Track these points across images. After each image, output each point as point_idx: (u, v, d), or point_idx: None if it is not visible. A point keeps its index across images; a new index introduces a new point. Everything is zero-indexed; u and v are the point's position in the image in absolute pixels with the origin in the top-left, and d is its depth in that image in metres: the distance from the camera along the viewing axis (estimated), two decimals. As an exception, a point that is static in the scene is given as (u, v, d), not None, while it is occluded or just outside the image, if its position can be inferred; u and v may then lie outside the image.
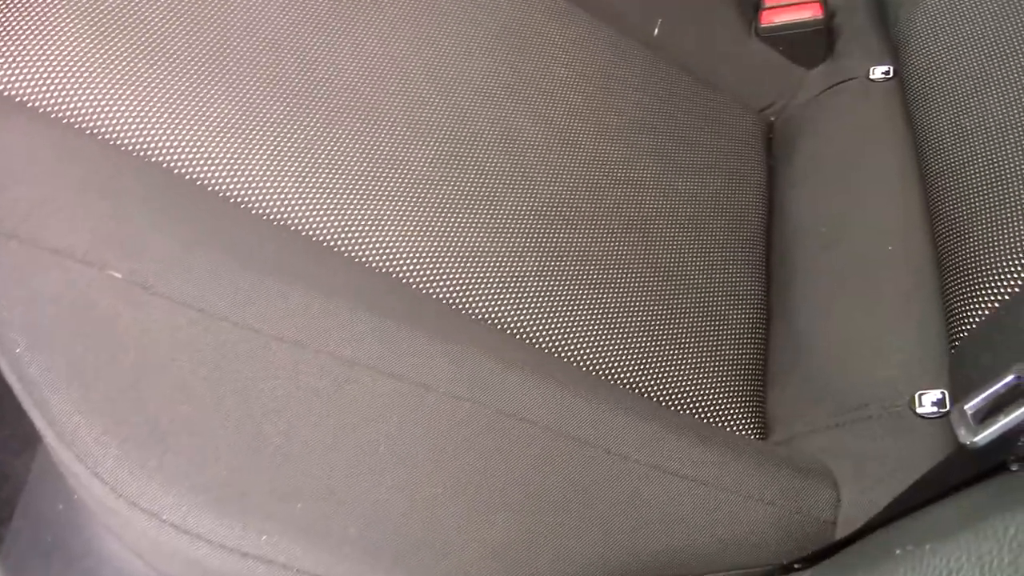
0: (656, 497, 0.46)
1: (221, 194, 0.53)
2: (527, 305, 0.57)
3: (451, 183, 0.60)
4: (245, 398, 0.41)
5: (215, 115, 0.55)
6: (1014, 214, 0.54)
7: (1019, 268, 0.49)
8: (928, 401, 0.54)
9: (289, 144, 0.56)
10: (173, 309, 0.43)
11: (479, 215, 0.59)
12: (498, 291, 0.56)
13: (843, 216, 0.69)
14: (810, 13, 0.87)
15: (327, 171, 0.56)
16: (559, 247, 0.61)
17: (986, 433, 0.34)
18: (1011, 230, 0.53)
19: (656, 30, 0.86)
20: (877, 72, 0.80)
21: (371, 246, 0.54)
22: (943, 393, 0.53)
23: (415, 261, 0.55)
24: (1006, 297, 0.48)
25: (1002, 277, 0.50)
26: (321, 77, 0.61)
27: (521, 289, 0.57)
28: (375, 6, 0.68)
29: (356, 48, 0.64)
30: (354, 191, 0.56)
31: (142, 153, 0.53)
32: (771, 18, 0.87)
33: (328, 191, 0.55)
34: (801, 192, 0.75)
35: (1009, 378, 0.35)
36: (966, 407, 0.36)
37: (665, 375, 0.59)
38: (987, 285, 0.51)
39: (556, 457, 0.45)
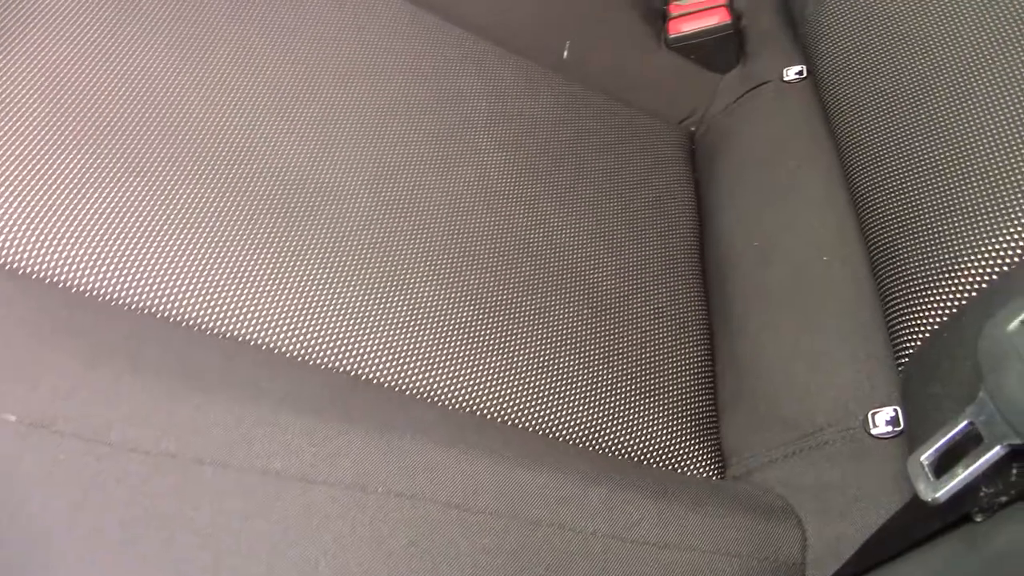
0: (621, 570, 0.44)
1: (118, 302, 0.49)
2: (462, 373, 0.54)
3: (367, 261, 0.57)
4: (166, 538, 0.38)
5: (98, 223, 0.52)
6: (941, 217, 0.53)
7: (956, 283, 0.48)
8: (882, 421, 0.52)
9: (184, 242, 0.53)
10: (80, 448, 0.40)
11: (400, 289, 0.56)
12: (429, 362, 0.54)
13: (774, 229, 0.68)
14: (717, 19, 0.86)
15: (234, 268, 0.53)
16: (488, 307, 0.58)
17: (947, 489, 0.32)
18: (940, 238, 0.52)
19: (565, 52, 0.84)
20: (791, 73, 0.79)
21: (290, 335, 0.51)
22: (896, 411, 0.52)
23: (338, 344, 0.52)
24: (945, 316, 0.47)
25: (941, 293, 0.49)
26: (226, 164, 0.58)
27: (454, 357, 0.55)
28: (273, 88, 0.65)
29: (257, 131, 0.61)
30: (264, 282, 0.53)
31: (33, 271, 0.49)
32: (679, 27, 0.86)
33: (237, 286, 0.52)
34: (729, 207, 0.74)
35: (962, 424, 0.33)
36: (922, 458, 0.34)
37: (613, 425, 0.57)
38: (926, 301, 0.50)
39: (510, 546, 0.42)
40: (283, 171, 0.59)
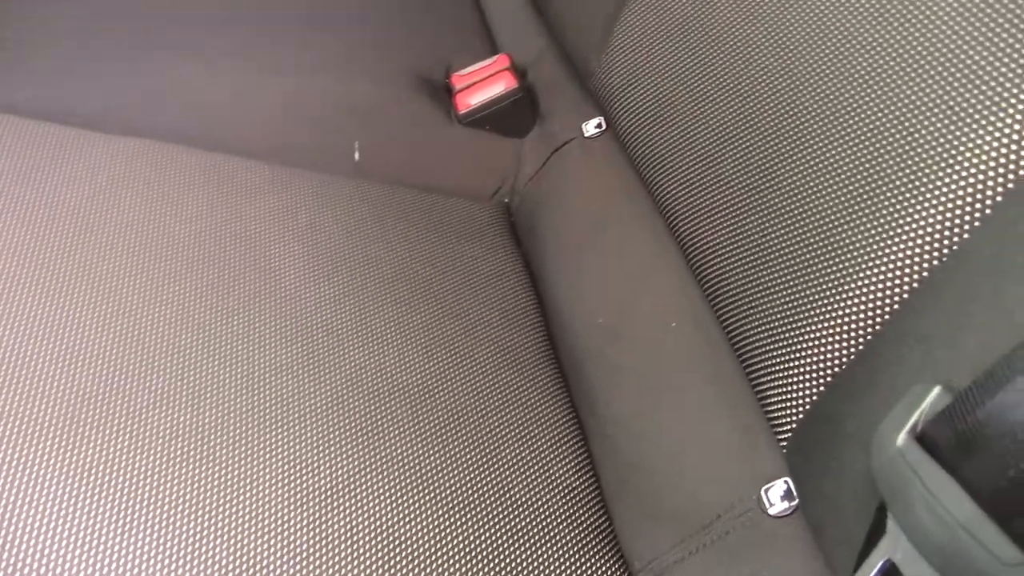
0: None
1: None
2: (328, 539, 0.48)
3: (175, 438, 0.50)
4: None
5: None
6: (776, 269, 0.51)
7: (811, 353, 0.46)
8: (776, 497, 0.50)
9: None
10: None
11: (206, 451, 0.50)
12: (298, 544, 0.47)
13: (615, 302, 0.65)
14: (503, 85, 0.83)
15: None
16: (328, 466, 0.52)
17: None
18: (780, 294, 0.50)
19: (356, 155, 0.79)
20: (590, 127, 0.77)
21: None
22: (787, 482, 0.50)
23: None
24: (814, 392, 0.45)
25: (799, 362, 0.47)
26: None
27: (316, 535, 0.48)
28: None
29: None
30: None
31: None
32: (467, 101, 0.83)
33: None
34: (563, 282, 0.70)
35: (881, 563, 0.30)
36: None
37: (502, 560, 0.52)
38: (786, 371, 0.48)
39: None
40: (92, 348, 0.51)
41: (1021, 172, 0.36)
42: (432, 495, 0.53)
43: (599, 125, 0.76)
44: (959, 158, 0.38)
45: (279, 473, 0.52)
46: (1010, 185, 0.36)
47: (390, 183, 0.78)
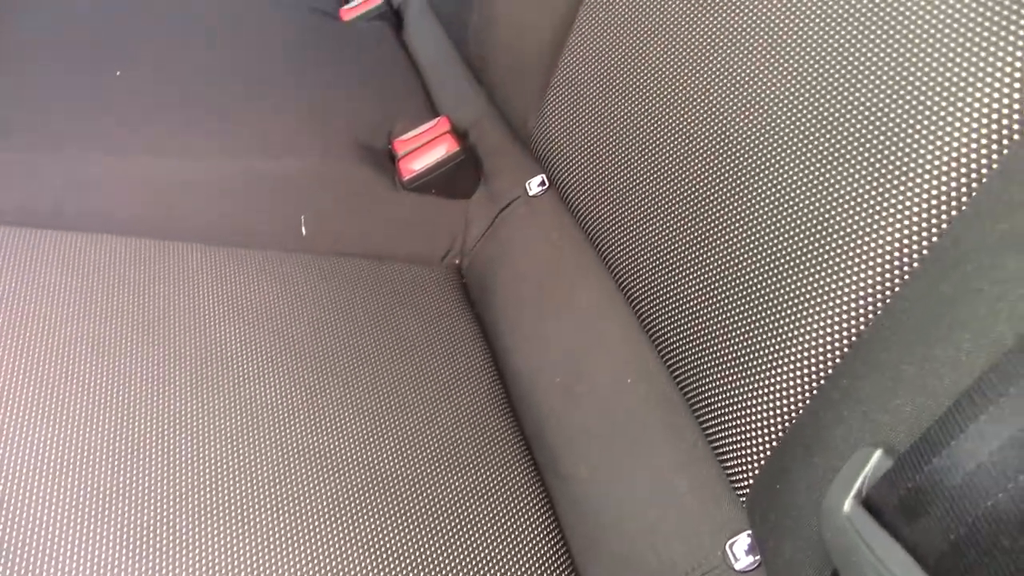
0: None
1: None
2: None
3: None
4: None
5: None
6: (718, 324, 0.51)
7: (760, 409, 0.47)
8: (741, 551, 0.50)
9: None
10: None
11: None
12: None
13: (567, 358, 0.65)
14: (445, 148, 0.83)
15: None
16: (298, 547, 0.52)
17: None
18: (721, 357, 0.50)
19: (303, 229, 0.79)
20: (533, 185, 0.78)
21: None
22: (749, 536, 0.50)
23: None
24: (767, 449, 0.45)
25: (750, 418, 0.47)
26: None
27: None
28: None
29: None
30: None
31: None
32: (410, 167, 0.83)
33: None
34: (519, 343, 0.71)
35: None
36: None
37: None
38: (738, 427, 0.48)
39: None
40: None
41: (934, 239, 0.37)
42: (397, 570, 0.53)
43: (542, 183, 0.77)
44: (881, 222, 0.39)
45: (229, 564, 0.51)
46: (935, 240, 0.37)
47: (339, 255, 0.78)
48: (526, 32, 0.74)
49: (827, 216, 0.43)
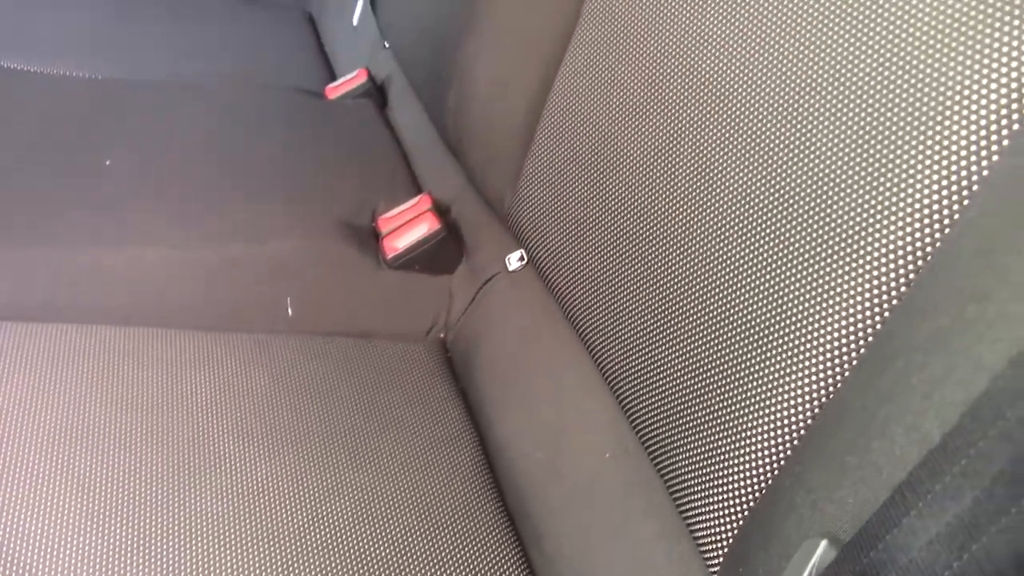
0: None
1: None
2: None
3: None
4: None
5: None
6: (689, 404, 0.53)
7: (724, 491, 0.48)
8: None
9: None
10: None
11: None
12: None
13: (547, 433, 0.67)
14: (427, 226, 0.86)
15: None
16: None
17: None
18: (690, 435, 0.52)
19: (289, 311, 0.81)
20: (513, 261, 0.80)
21: None
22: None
23: None
24: (732, 528, 0.47)
25: (712, 497, 0.49)
26: None
27: None
28: None
29: None
30: None
31: None
32: (394, 245, 0.85)
33: None
34: (501, 417, 0.72)
35: None
36: None
37: None
38: (702, 506, 0.50)
39: None
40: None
41: (871, 339, 0.39)
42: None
43: (521, 258, 0.79)
44: (828, 313, 0.41)
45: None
46: (877, 328, 0.39)
47: (326, 334, 0.80)
48: (500, 115, 0.77)
49: (781, 307, 0.45)
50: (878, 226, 0.40)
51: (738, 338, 0.48)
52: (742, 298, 0.47)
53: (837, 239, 0.42)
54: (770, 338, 0.45)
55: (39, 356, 0.68)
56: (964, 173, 0.36)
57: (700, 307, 0.53)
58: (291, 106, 1.08)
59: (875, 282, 0.39)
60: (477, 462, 0.71)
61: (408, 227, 0.86)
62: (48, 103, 0.96)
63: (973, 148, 0.36)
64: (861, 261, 0.40)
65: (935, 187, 0.38)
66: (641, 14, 0.61)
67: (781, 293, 0.44)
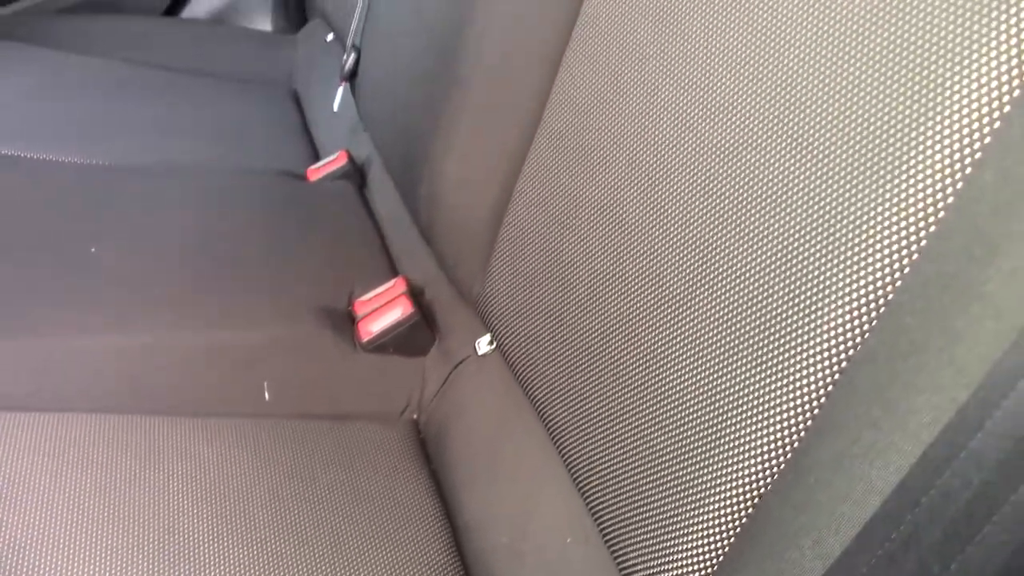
0: None
1: None
2: None
3: None
4: None
5: None
6: (643, 494, 0.56)
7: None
8: None
9: None
10: None
11: None
12: None
13: (512, 518, 0.70)
14: (401, 311, 0.89)
15: None
16: None
17: None
18: (645, 520, 0.55)
19: (267, 395, 0.83)
20: (483, 345, 0.83)
21: None
22: None
23: None
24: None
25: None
26: None
27: None
28: None
29: None
30: None
31: None
32: (369, 329, 0.88)
33: None
34: (470, 500, 0.75)
35: None
36: None
37: None
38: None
39: None
40: None
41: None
42: None
43: (491, 342, 0.83)
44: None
45: None
46: (802, 435, 0.42)
47: (302, 416, 0.83)
48: (468, 210, 0.81)
49: (723, 414, 0.48)
50: (801, 339, 0.43)
51: (685, 443, 0.51)
52: (688, 403, 0.51)
53: (778, 339, 0.45)
54: (710, 445, 0.48)
55: (20, 447, 0.70)
56: (870, 299, 0.40)
57: (653, 409, 0.56)
58: (273, 190, 1.12)
59: (797, 400, 0.42)
60: (446, 545, 0.73)
61: (383, 311, 0.89)
62: (32, 189, 1.00)
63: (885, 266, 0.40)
64: (787, 370, 0.43)
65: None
66: (599, 112, 0.66)
67: (723, 401, 0.48)
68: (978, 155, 0.36)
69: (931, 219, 0.37)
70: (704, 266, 0.52)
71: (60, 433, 0.72)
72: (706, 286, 0.51)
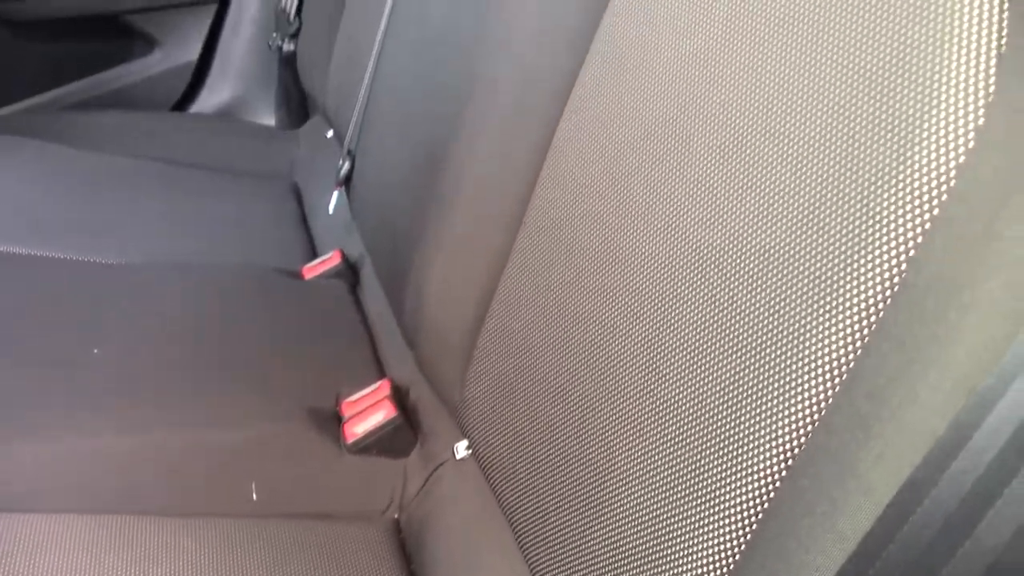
0: None
1: None
2: None
3: None
4: None
5: None
6: None
7: None
8: None
9: None
10: None
11: None
12: None
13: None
14: (384, 413, 0.93)
15: None
16: None
17: None
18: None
19: (254, 495, 0.87)
20: (461, 450, 0.87)
21: None
22: None
23: None
24: None
25: None
26: None
27: None
28: None
29: None
30: None
31: None
32: (353, 431, 0.92)
33: None
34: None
35: None
36: None
37: None
38: None
39: None
40: None
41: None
42: None
43: (468, 447, 0.86)
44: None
45: None
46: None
47: (287, 516, 0.86)
48: (449, 322, 0.85)
49: (682, 523, 0.52)
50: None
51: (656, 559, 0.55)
52: (657, 521, 0.54)
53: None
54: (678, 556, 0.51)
55: (11, 550, 0.73)
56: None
57: (620, 525, 0.59)
58: (268, 288, 1.16)
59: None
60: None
61: (367, 413, 0.93)
62: (28, 287, 1.05)
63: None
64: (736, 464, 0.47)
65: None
66: (573, 228, 0.70)
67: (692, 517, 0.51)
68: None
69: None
70: (679, 368, 0.56)
71: (53, 535, 0.75)
72: (689, 392, 0.55)
